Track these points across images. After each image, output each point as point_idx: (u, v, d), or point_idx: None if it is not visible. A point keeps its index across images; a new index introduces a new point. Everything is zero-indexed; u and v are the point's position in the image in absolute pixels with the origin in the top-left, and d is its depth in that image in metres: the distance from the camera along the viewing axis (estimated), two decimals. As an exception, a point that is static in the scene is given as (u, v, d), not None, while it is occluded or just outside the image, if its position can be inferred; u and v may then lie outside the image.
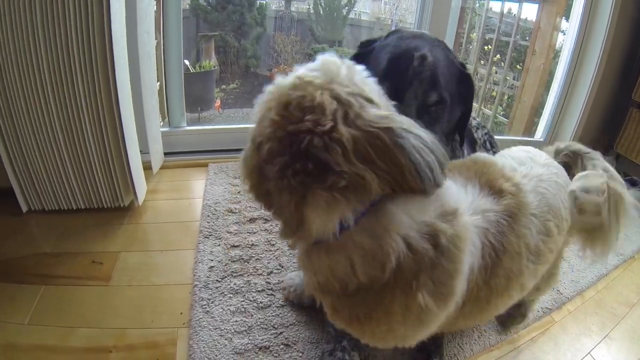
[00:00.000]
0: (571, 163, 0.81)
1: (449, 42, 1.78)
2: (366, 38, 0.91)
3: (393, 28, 2.46)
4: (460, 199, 0.56)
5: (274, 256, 1.05)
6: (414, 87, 0.76)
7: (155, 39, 1.37)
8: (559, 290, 1.10)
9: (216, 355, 0.81)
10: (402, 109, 0.72)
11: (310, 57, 2.69)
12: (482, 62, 2.44)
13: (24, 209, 1.18)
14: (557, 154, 0.83)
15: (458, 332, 0.93)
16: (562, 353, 0.92)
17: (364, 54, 0.85)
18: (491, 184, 0.60)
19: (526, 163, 0.68)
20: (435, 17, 1.59)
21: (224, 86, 2.42)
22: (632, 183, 1.84)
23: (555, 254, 0.68)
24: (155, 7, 1.27)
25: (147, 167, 1.34)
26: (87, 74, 1.02)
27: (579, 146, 0.82)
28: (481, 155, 0.73)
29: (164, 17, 1.36)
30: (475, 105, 2.20)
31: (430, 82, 0.77)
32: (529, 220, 0.60)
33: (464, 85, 0.84)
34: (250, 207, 1.22)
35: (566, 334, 0.97)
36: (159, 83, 1.44)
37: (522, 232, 0.59)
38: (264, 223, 1.16)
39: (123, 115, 1.09)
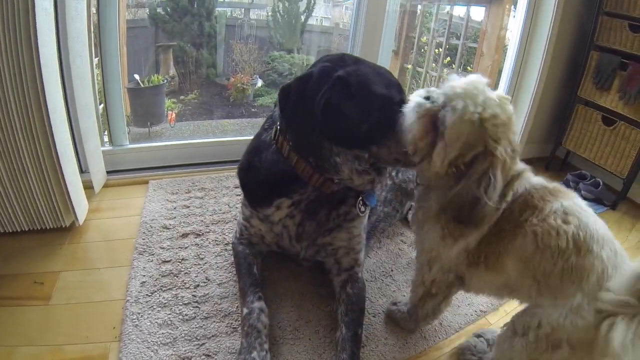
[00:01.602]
0: None
1: (388, 46, 1.83)
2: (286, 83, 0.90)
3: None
4: None
5: (202, 269, 1.12)
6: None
7: (97, 57, 1.41)
8: None
9: (142, 367, 0.88)
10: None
11: (268, 65, 2.74)
12: (433, 65, 2.52)
13: (-33, 234, 1.22)
14: None
15: (381, 339, 0.99)
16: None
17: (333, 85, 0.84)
18: None
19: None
20: (370, 20, 1.62)
21: (182, 97, 2.45)
22: (581, 177, 1.93)
23: None
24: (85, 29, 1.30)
25: (89, 186, 1.38)
26: (20, 100, 1.05)
27: None
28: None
29: (101, 41, 1.40)
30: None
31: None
32: None
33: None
34: (184, 222, 1.29)
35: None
36: (102, 105, 1.49)
37: None
38: (195, 237, 1.23)
39: (57, 137, 1.12)
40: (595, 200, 1.78)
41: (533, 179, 0.79)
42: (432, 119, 0.73)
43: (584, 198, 1.75)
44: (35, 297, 1.06)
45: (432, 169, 0.74)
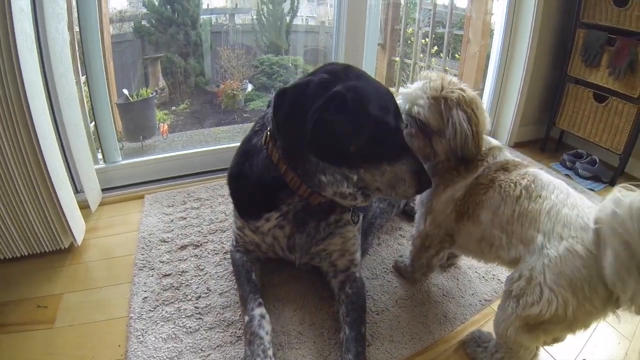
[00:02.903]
0: None
1: (373, 40, 1.81)
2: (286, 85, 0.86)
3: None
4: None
5: (202, 280, 1.12)
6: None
7: (83, 75, 1.41)
8: (499, 280, 1.17)
9: (150, 383, 0.88)
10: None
11: (257, 69, 2.73)
12: (421, 55, 2.51)
13: (-33, 263, 1.22)
14: None
15: (387, 336, 0.99)
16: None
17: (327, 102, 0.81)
18: None
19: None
20: (352, 15, 1.61)
21: (174, 107, 2.45)
22: (577, 156, 1.93)
23: None
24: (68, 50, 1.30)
25: (85, 205, 1.39)
26: (7, 125, 1.05)
27: None
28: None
29: (85, 59, 1.39)
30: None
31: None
32: None
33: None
34: (181, 234, 1.29)
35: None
36: (93, 123, 1.49)
37: None
38: (194, 249, 1.23)
39: (48, 160, 1.12)
40: (593, 177, 1.77)
41: (510, 155, 0.96)
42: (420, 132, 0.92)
43: (582, 177, 1.78)
44: (40, 321, 1.06)
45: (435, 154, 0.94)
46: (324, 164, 0.85)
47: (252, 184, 0.95)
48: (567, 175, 1.82)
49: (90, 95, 1.45)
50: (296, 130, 0.80)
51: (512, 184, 0.84)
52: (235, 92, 2.44)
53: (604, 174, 1.78)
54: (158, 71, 2.52)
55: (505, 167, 0.89)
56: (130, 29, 2.57)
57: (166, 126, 2.12)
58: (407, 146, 0.90)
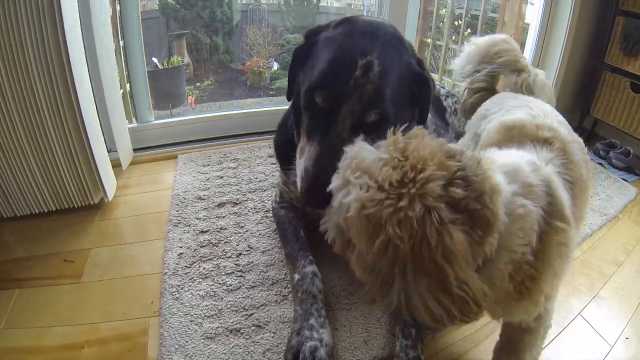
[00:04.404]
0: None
1: (412, 21, 1.77)
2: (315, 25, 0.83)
3: (365, 14, 2.43)
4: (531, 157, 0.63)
5: (243, 238, 1.04)
6: (353, 102, 0.68)
7: (114, 43, 1.35)
8: None
9: (186, 342, 0.80)
10: (335, 122, 0.68)
11: (283, 48, 2.68)
12: (453, 37, 2.43)
13: (-4, 217, 1.16)
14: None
15: None
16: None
17: (309, 46, 0.78)
18: (536, 138, 0.67)
19: (532, 106, 0.78)
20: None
21: (198, 84, 2.41)
22: (610, 146, 1.84)
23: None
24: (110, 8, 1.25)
25: (116, 164, 1.33)
26: (44, 73, 1.00)
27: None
28: (505, 121, 0.74)
29: (123, 16, 1.34)
30: (449, 80, 2.18)
31: (371, 99, 0.68)
32: (575, 153, 0.68)
33: (418, 87, 0.76)
34: (218, 192, 1.21)
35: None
36: (125, 86, 1.43)
37: (576, 163, 0.67)
38: (232, 207, 1.15)
39: (84, 112, 1.07)
40: (626, 169, 1.69)
41: None
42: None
43: (615, 167, 1.69)
44: (66, 276, 1.00)
45: None
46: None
47: (288, 132, 0.95)
48: (600, 164, 1.74)
49: (125, 56, 1.39)
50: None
51: None
52: (261, 70, 2.38)
53: (637, 166, 1.69)
54: (183, 47, 2.49)
55: None
56: (155, 6, 2.54)
57: (193, 98, 2.07)
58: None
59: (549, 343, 0.82)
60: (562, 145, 0.67)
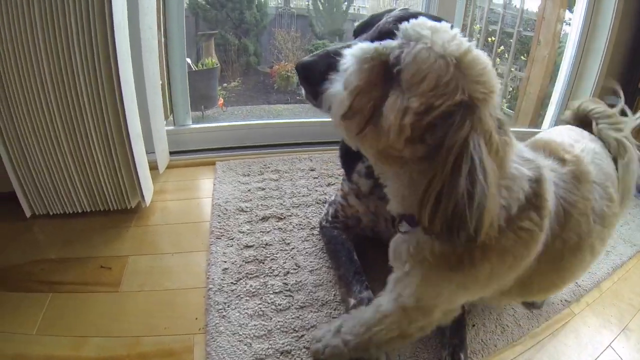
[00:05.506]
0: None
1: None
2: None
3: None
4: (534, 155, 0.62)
5: (290, 255, 1.01)
6: None
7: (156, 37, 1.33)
8: (576, 283, 1.07)
9: (236, 362, 0.77)
10: None
11: (310, 53, 2.66)
12: (485, 53, 2.41)
13: (28, 214, 1.13)
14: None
15: (481, 327, 0.90)
16: (583, 346, 0.90)
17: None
18: (555, 154, 0.66)
19: (580, 140, 0.73)
20: (442, 7, 1.55)
21: (225, 84, 2.39)
22: None
23: (617, 219, 0.72)
24: (155, 3, 1.23)
25: (153, 167, 1.29)
26: (89, 70, 0.96)
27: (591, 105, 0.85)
28: (539, 136, 0.76)
29: (166, 13, 1.31)
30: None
31: None
32: (591, 186, 0.65)
33: None
34: (261, 205, 1.19)
35: (586, 327, 0.95)
36: (161, 82, 1.40)
37: (586, 195, 0.63)
38: (277, 221, 1.13)
39: (127, 112, 1.04)
40: None
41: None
42: (383, 67, 0.49)
43: None
44: (104, 283, 0.97)
45: (382, 137, 0.48)
46: None
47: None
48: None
49: (166, 56, 1.36)
50: None
51: None
52: (289, 74, 2.36)
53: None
54: (211, 47, 2.46)
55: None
56: (185, 5, 2.53)
57: (222, 100, 2.04)
58: None
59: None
60: (577, 170, 0.64)
